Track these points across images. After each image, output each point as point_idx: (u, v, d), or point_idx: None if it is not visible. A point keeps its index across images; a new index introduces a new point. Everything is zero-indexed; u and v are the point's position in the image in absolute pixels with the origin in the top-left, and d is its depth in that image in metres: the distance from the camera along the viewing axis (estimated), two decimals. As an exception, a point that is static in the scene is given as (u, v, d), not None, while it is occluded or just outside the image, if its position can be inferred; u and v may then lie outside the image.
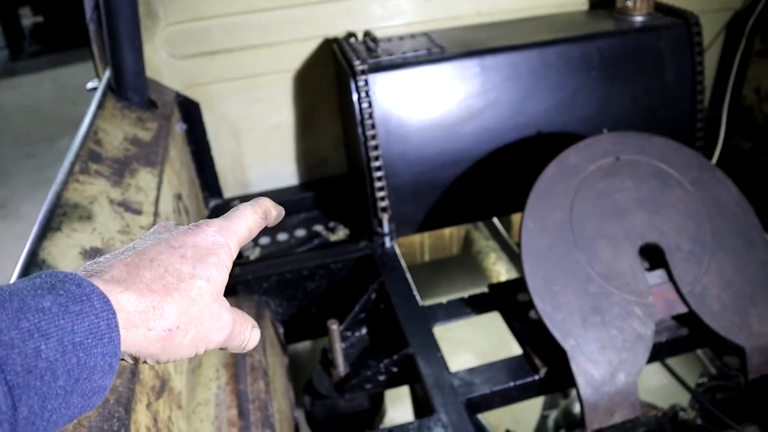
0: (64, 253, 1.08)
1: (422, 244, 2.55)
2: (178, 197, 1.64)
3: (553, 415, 1.92)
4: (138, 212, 1.31)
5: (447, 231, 2.58)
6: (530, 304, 1.40)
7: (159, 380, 1.05)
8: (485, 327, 2.58)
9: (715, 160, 2.10)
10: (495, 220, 2.69)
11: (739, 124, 2.44)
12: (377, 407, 1.61)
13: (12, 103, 6.42)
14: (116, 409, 0.87)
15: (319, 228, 2.04)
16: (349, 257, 1.83)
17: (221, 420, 1.17)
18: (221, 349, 0.62)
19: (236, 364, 1.28)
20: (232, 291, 1.79)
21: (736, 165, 2.15)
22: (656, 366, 1.99)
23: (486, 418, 1.93)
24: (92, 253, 1.12)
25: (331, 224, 2.05)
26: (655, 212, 1.47)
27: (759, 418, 2.02)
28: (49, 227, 1.12)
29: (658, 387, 2.34)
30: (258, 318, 1.48)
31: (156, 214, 1.35)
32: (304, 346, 2.77)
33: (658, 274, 1.45)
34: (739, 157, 2.40)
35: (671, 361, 2.03)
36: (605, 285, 1.39)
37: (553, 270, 1.38)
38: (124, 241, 1.21)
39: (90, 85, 1.93)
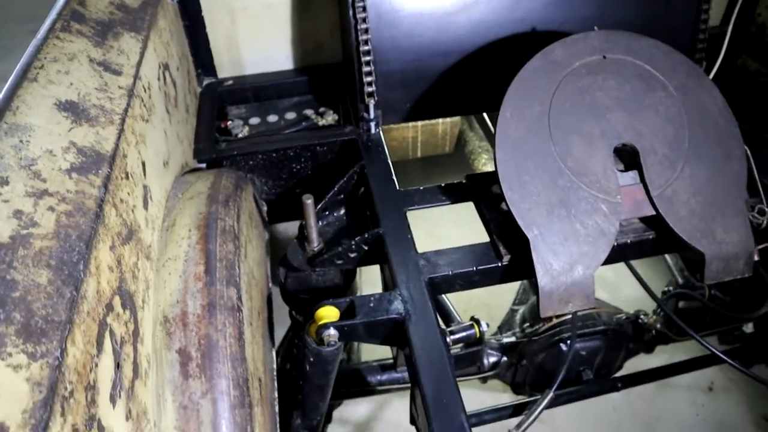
0: (39, 102, 1.11)
1: (415, 139, 2.56)
2: (165, 67, 1.65)
3: (522, 309, 2.00)
4: (117, 73, 1.33)
5: (440, 128, 2.58)
6: (503, 196, 1.42)
7: (126, 228, 1.10)
8: (474, 227, 2.63)
9: (711, 75, 2.06)
10: (488, 120, 2.68)
11: (749, 43, 2.37)
12: (348, 284, 1.67)
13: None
14: (77, 244, 0.92)
15: (309, 112, 2.05)
16: (335, 140, 1.85)
17: (188, 274, 1.23)
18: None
19: (208, 225, 1.33)
20: (218, 165, 1.82)
21: (736, 85, 2.12)
22: (632, 279, 2.03)
23: (462, 313, 2.01)
24: (67, 106, 1.14)
25: (322, 109, 2.06)
26: (634, 113, 1.47)
27: (719, 331, 2.09)
28: (25, 77, 1.14)
29: (635, 299, 2.41)
30: (236, 188, 1.52)
31: (137, 77, 1.36)
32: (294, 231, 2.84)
33: (631, 176, 1.47)
34: (743, 77, 2.34)
35: (643, 272, 2.08)
36: (575, 180, 1.41)
37: (525, 160, 1.40)
38: (101, 98, 1.23)
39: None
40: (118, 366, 0.96)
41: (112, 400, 0.93)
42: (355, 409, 2.44)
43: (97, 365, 0.88)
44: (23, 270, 0.84)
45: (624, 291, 2.66)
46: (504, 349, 1.87)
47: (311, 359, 1.38)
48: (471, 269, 1.44)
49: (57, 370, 0.77)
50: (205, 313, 1.18)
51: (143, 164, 1.29)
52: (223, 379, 1.14)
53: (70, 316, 0.83)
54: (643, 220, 1.51)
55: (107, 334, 0.94)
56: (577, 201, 1.40)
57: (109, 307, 0.97)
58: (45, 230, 0.91)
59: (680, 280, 2.02)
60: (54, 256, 0.88)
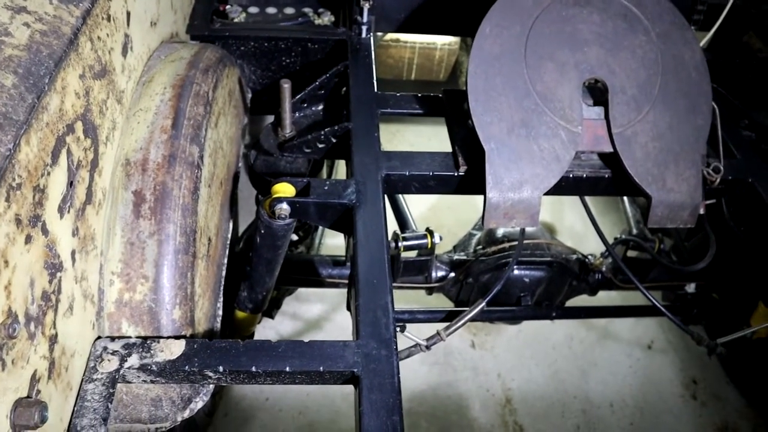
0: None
1: (411, 60, 2.58)
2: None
3: (479, 234, 2.07)
4: None
5: (437, 54, 2.60)
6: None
7: (99, 65, 1.15)
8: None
9: (704, 43, 2.08)
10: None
11: (758, 20, 2.36)
12: (314, 175, 1.74)
13: None
14: (47, 61, 0.97)
15: (307, 10, 2.07)
16: (326, 39, 1.89)
17: (156, 125, 1.29)
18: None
19: (183, 86, 1.38)
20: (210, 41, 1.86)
21: (734, 59, 2.13)
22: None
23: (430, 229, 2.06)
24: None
25: (321, 10, 2.08)
26: (611, 51, 1.51)
27: (663, 286, 2.17)
28: None
29: (598, 252, 2.46)
30: (219, 62, 1.56)
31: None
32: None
33: (596, 111, 1.52)
34: (742, 53, 2.34)
35: (602, 222, 2.14)
36: (540, 104, 1.46)
37: (495, 76, 1.44)
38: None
39: None
40: (71, 184, 1.03)
41: (60, 211, 1.00)
42: (308, 308, 2.55)
43: (49, 174, 0.95)
44: (-10, 70, 0.90)
45: (590, 243, 2.73)
46: (453, 265, 1.94)
47: (262, 231, 1.46)
48: (428, 173, 1.50)
49: (8, 160, 0.84)
50: (165, 162, 1.25)
51: (128, 14, 1.33)
52: (171, 225, 1.21)
53: (28, 119, 0.89)
54: (601, 158, 1.57)
55: (64, 152, 1.00)
56: (539, 124, 1.45)
57: (70, 129, 1.03)
58: (17, 41, 0.97)
59: (634, 231, 2.09)
60: (22, 65, 0.94)
